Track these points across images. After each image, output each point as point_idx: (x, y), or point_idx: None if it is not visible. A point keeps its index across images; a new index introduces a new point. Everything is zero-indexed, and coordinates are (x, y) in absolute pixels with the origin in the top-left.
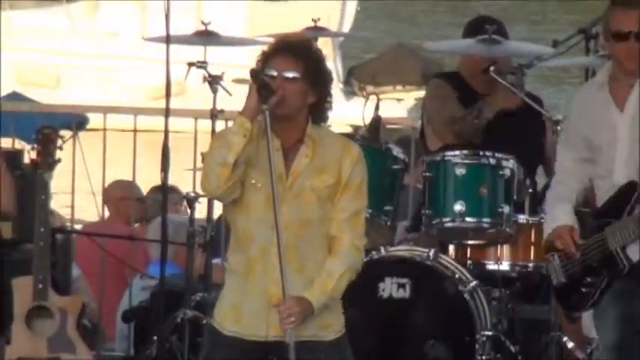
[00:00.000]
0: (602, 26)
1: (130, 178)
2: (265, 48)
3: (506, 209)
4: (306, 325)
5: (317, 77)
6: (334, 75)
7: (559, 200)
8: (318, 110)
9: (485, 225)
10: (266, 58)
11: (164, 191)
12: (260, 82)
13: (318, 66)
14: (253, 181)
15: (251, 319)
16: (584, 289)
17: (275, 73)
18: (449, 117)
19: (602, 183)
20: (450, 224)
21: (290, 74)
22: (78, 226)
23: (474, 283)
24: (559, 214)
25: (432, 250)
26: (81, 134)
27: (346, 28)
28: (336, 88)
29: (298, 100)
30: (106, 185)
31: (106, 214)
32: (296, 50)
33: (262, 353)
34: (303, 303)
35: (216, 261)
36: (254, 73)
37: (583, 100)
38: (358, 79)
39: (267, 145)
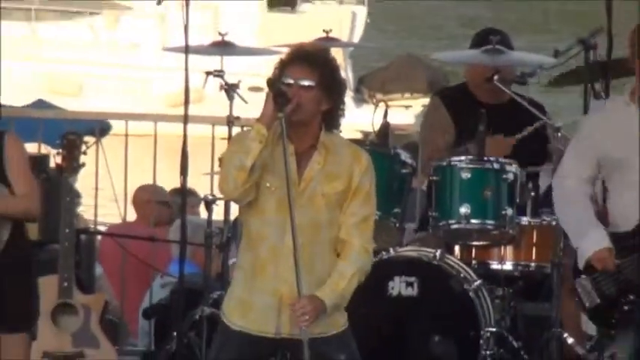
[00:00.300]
0: (629, 47)
1: (151, 182)
2: (282, 57)
3: (509, 211)
4: (317, 322)
5: (331, 85)
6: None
7: (590, 223)
8: (332, 117)
9: (489, 227)
10: (283, 67)
11: (183, 194)
12: (276, 90)
13: (333, 75)
14: (268, 185)
15: (260, 316)
16: (626, 307)
17: (291, 81)
18: (436, 150)
19: (622, 197)
20: (455, 226)
21: (306, 82)
22: (101, 228)
23: (479, 282)
24: (597, 238)
25: (439, 251)
26: (104, 140)
27: (356, 38)
28: (347, 96)
29: (313, 107)
30: (129, 189)
31: (129, 215)
32: (312, 59)
33: (271, 349)
34: (316, 302)
35: (232, 261)
36: (270, 82)
37: (607, 117)
38: (368, 87)
39: (284, 151)
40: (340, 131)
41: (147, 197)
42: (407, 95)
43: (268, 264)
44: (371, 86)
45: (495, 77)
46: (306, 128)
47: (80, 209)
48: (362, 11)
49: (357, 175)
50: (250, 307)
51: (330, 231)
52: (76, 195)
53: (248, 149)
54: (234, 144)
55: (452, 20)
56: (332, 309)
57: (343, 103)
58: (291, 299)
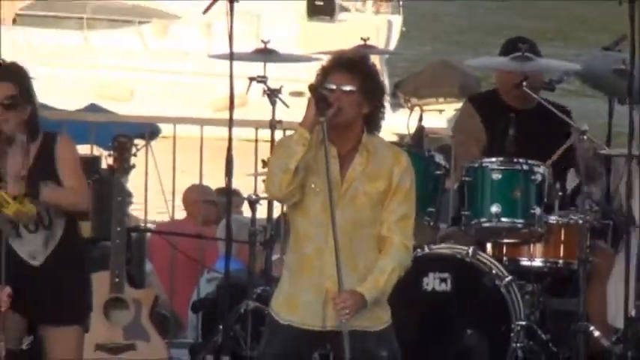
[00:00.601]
0: None
1: (197, 183)
2: (324, 63)
3: (538, 211)
4: (359, 316)
5: (372, 90)
6: None
7: None
8: (373, 120)
9: (519, 225)
10: (325, 73)
11: (228, 194)
12: (318, 95)
13: (373, 80)
14: (313, 186)
15: (306, 311)
16: None
17: (334, 87)
18: (470, 157)
19: None
20: (487, 224)
21: (347, 87)
22: (150, 226)
23: (509, 278)
24: None
25: (471, 248)
26: (153, 143)
27: (392, 46)
28: (385, 100)
29: (354, 110)
30: (177, 189)
31: (177, 214)
32: (353, 66)
33: (317, 342)
34: (357, 296)
35: (275, 257)
36: (312, 88)
37: None
38: (403, 92)
39: (325, 153)
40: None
41: (195, 197)
42: (440, 100)
43: (314, 261)
44: (406, 91)
45: (524, 83)
46: (348, 131)
47: (131, 208)
48: (397, 20)
49: (397, 175)
50: (297, 302)
51: (373, 229)
52: (128, 194)
53: (291, 153)
54: (279, 148)
55: (480, 29)
56: (372, 303)
57: (383, 106)
58: (334, 294)
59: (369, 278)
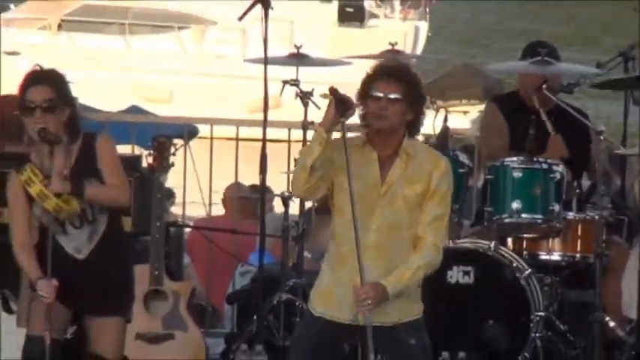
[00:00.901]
0: None
1: (233, 181)
2: (369, 71)
3: (557, 207)
4: (388, 311)
5: (415, 98)
6: None
7: None
8: (414, 126)
9: (539, 221)
10: (370, 81)
11: (262, 191)
12: (338, 97)
13: (416, 88)
14: (345, 186)
15: (339, 304)
16: None
17: (381, 95)
18: (494, 150)
19: None
20: (508, 220)
21: (393, 95)
22: (188, 222)
23: (529, 271)
24: None
25: (493, 243)
26: (191, 142)
27: (419, 50)
28: None
29: (399, 117)
30: (214, 186)
31: (213, 210)
32: (398, 74)
33: (347, 334)
34: (379, 288)
35: (305, 253)
36: (333, 90)
37: None
38: (430, 94)
39: (345, 152)
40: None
41: (232, 194)
42: (464, 102)
43: (348, 260)
44: (432, 94)
45: (544, 86)
46: (390, 136)
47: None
48: (424, 26)
49: (436, 178)
50: (332, 296)
51: (410, 231)
52: (170, 193)
53: (310, 151)
54: (304, 148)
55: (503, 33)
56: (395, 297)
57: (424, 113)
58: (355, 285)
59: (394, 272)
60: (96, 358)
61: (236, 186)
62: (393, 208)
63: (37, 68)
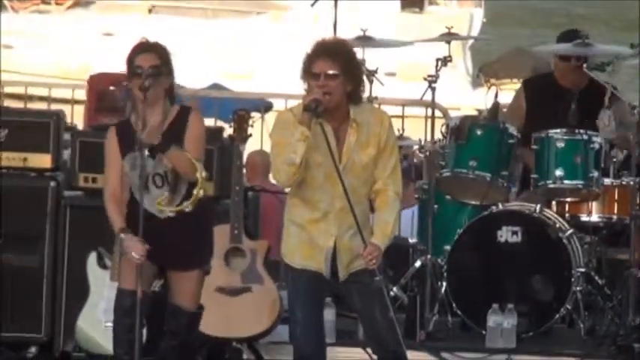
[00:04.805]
0: None
1: None
2: (308, 51)
3: (596, 174)
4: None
5: (352, 70)
6: (463, 70)
7: None
8: (356, 94)
9: (579, 186)
10: (309, 60)
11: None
12: (311, 111)
13: (352, 61)
14: (312, 162)
15: (317, 261)
16: None
17: (319, 72)
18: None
19: None
20: (552, 185)
21: (331, 71)
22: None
23: (571, 231)
24: None
25: (539, 206)
26: (267, 115)
27: (473, 34)
28: (464, 81)
29: (340, 91)
30: None
31: None
32: (334, 51)
33: (327, 287)
34: (377, 247)
35: None
36: (306, 107)
37: None
38: (485, 74)
39: (328, 147)
40: (459, 108)
41: (259, 159)
42: (515, 80)
43: (320, 224)
44: (487, 74)
45: (584, 65)
46: (337, 109)
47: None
48: (479, 12)
49: (384, 135)
50: (310, 251)
51: (366, 189)
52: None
53: (295, 148)
54: (281, 136)
55: (553, 24)
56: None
57: (363, 81)
58: (341, 249)
59: (376, 231)
60: (175, 308)
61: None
62: (353, 173)
63: (145, 40)
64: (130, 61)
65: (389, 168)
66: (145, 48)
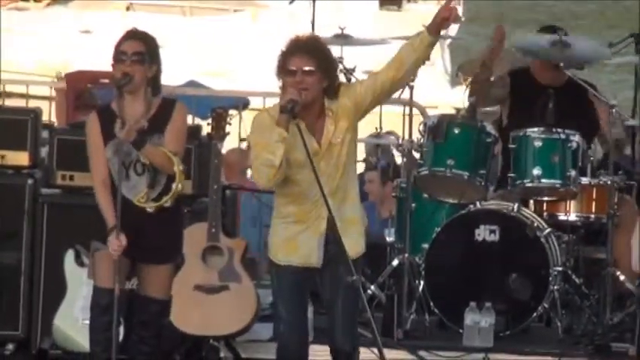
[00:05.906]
0: None
1: None
2: (283, 48)
3: (573, 173)
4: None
5: (327, 66)
6: (441, 68)
7: None
8: (331, 89)
9: (557, 185)
10: (285, 57)
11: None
12: (287, 112)
13: (328, 58)
14: (292, 161)
15: (304, 252)
16: None
17: (295, 68)
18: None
19: None
20: (529, 184)
21: (307, 68)
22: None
23: (548, 229)
24: None
25: (516, 204)
26: (244, 113)
27: (452, 33)
28: (442, 79)
29: (317, 87)
30: None
31: None
32: (309, 48)
33: (312, 277)
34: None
35: None
36: (282, 109)
37: None
38: (463, 72)
39: (305, 148)
40: (436, 106)
41: (236, 158)
42: (492, 79)
43: (311, 212)
44: (466, 72)
45: (561, 64)
46: (314, 104)
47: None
48: (458, 11)
49: (352, 99)
50: (296, 245)
51: (351, 159)
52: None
53: (274, 150)
54: (259, 138)
55: (535, 21)
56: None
57: (338, 77)
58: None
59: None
60: (146, 299)
61: (239, 151)
62: (335, 153)
63: (133, 29)
64: (117, 47)
65: (372, 76)
66: (131, 35)
